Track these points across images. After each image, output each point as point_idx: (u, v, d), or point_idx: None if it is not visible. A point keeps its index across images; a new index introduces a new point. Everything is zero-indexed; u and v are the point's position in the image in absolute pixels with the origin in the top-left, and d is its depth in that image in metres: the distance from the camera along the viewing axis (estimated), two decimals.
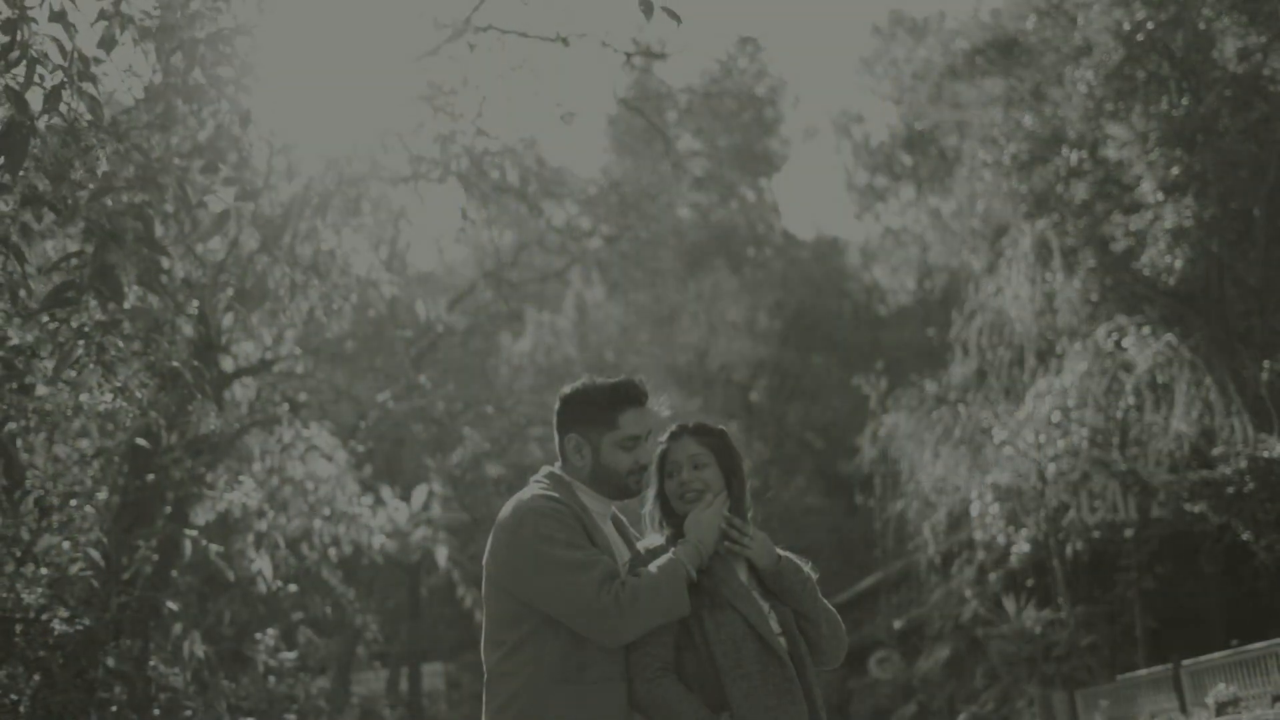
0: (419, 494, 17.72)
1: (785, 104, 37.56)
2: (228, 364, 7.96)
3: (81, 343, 3.83)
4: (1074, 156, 17.35)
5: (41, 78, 3.64)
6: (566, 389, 3.07)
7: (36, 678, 5.34)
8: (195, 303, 6.78)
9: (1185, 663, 11.75)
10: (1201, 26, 15.51)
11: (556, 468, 3.07)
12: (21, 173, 3.34)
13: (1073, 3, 17.79)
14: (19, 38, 3.33)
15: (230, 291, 6.82)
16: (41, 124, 3.54)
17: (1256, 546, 12.67)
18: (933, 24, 32.06)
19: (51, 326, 4.73)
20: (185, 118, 5.63)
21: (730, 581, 2.88)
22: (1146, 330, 15.09)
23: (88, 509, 5.99)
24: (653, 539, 3.02)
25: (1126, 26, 15.62)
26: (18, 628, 5.25)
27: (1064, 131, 17.51)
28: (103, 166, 3.39)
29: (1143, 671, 12.92)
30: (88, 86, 3.54)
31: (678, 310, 32.61)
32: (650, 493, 3.05)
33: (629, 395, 3.00)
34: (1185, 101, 15.45)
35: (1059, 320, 16.56)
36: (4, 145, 3.12)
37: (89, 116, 3.54)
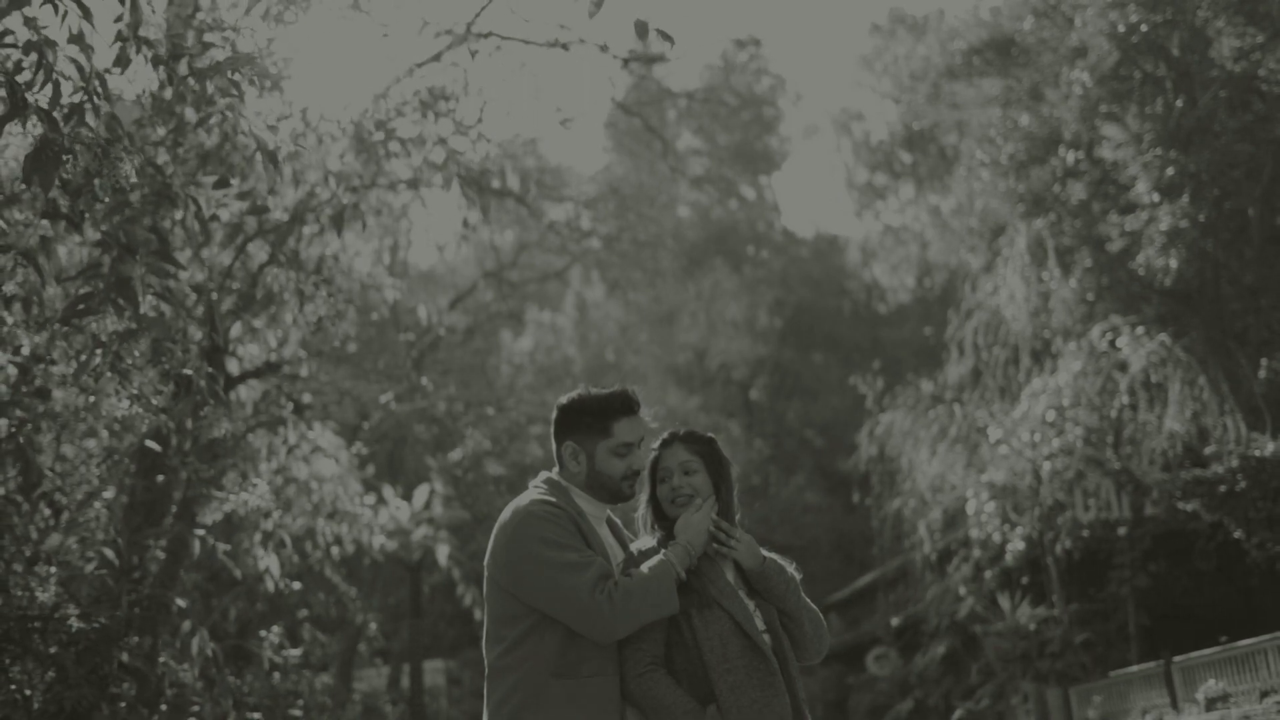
0: (420, 493, 17.88)
1: (785, 102, 37.66)
2: (233, 366, 8.10)
3: (99, 351, 3.98)
4: (1070, 157, 17.48)
5: (60, 97, 3.78)
6: (563, 399, 3.22)
7: (50, 674, 5.49)
8: (202, 308, 6.92)
9: (1176, 659, 11.90)
10: (1198, 25, 15.62)
11: (554, 473, 3.22)
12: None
13: (1070, 4, 17.90)
14: (45, 60, 3.47)
15: (234, 297, 6.96)
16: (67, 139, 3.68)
17: (1248, 545, 12.80)
18: (932, 22, 32.11)
19: (64, 332, 4.88)
20: (193, 128, 5.77)
21: (718, 581, 3.03)
22: (1141, 330, 15.21)
23: (100, 509, 6.13)
24: (645, 541, 3.17)
25: (1121, 28, 15.73)
26: (36, 624, 5.40)
27: (1060, 132, 17.64)
28: (131, 179, 3.54)
29: (1135, 668, 13.07)
30: (104, 105, 3.68)
31: (677, 309, 32.72)
32: (643, 497, 3.20)
33: (623, 405, 3.15)
34: (1181, 102, 15.57)
35: (1054, 320, 16.68)
36: (36, 163, 3.26)
37: (105, 134, 3.68)
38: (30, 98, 3.41)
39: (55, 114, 3.42)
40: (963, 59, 21.04)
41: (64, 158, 3.30)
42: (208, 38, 4.82)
